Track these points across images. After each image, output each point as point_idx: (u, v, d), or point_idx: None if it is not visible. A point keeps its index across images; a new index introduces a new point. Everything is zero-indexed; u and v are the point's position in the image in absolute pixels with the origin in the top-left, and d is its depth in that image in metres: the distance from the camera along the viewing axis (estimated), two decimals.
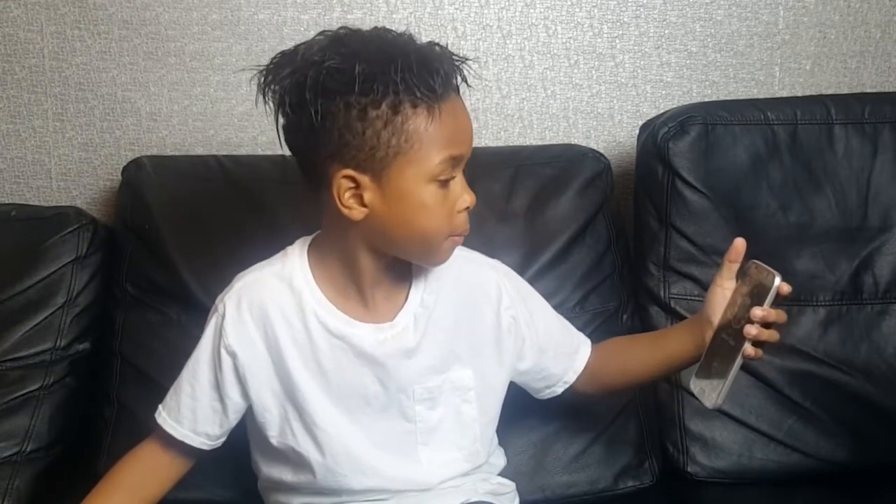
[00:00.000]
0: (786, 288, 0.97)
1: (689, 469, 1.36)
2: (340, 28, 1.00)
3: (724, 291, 1.05)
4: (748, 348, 0.98)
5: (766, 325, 0.98)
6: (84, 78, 1.56)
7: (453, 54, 0.99)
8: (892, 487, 1.30)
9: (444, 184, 0.98)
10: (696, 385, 1.03)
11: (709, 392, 1.01)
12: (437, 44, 0.99)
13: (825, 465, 1.35)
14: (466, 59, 1.00)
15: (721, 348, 1.01)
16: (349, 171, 0.96)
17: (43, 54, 1.55)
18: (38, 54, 1.55)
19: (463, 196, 1.00)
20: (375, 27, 1.00)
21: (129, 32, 1.55)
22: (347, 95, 0.93)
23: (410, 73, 0.94)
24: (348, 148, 0.95)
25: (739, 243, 1.05)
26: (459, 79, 1.00)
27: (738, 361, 0.98)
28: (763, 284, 0.98)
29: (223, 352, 1.06)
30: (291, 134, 1.00)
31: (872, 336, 1.38)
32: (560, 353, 1.17)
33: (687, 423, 1.37)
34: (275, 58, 0.99)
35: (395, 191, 0.97)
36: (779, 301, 0.98)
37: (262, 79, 0.99)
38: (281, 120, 1.00)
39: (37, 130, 1.58)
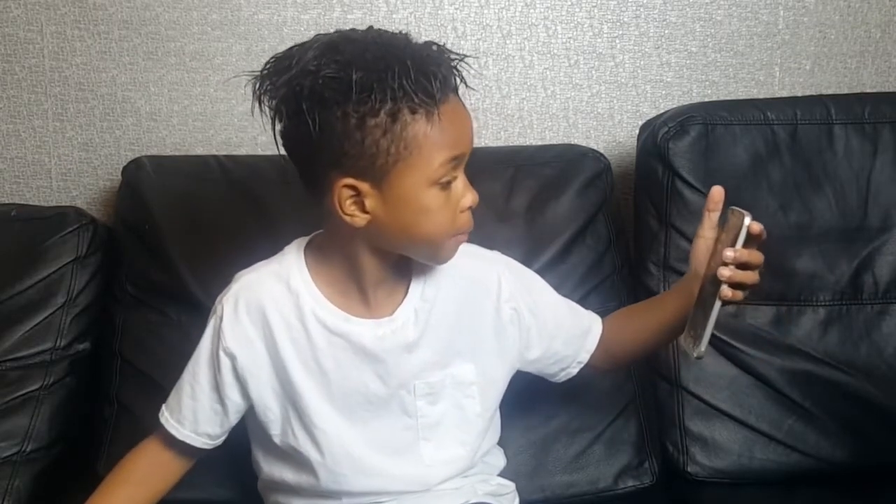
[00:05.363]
0: (756, 227, 0.96)
1: (689, 469, 1.36)
2: (335, 32, 0.98)
3: (706, 242, 1.04)
4: (724, 289, 0.96)
5: (744, 267, 0.97)
6: (84, 78, 1.56)
7: (451, 53, 0.98)
8: (893, 487, 1.30)
9: (446, 185, 0.98)
10: (685, 338, 1.02)
11: (693, 342, 1.00)
12: (435, 43, 0.98)
13: (825, 465, 1.35)
14: (464, 58, 0.99)
15: (705, 297, 1.00)
16: (349, 180, 0.96)
17: (43, 54, 1.55)
18: (38, 54, 1.55)
19: (466, 195, 1.00)
20: (370, 27, 0.99)
21: (129, 32, 1.55)
22: (345, 105, 0.92)
23: (408, 78, 0.92)
24: (347, 157, 0.94)
25: (717, 191, 1.04)
26: (458, 79, 0.99)
27: (717, 305, 0.97)
28: (738, 227, 0.97)
29: (222, 354, 1.06)
30: (289, 142, 0.99)
31: (872, 336, 1.38)
32: (570, 336, 1.16)
33: (687, 423, 1.37)
34: (269, 63, 0.98)
35: (396, 197, 0.96)
36: (754, 241, 0.97)
37: (258, 85, 0.98)
38: (278, 125, 0.99)
39: (37, 130, 1.58)
